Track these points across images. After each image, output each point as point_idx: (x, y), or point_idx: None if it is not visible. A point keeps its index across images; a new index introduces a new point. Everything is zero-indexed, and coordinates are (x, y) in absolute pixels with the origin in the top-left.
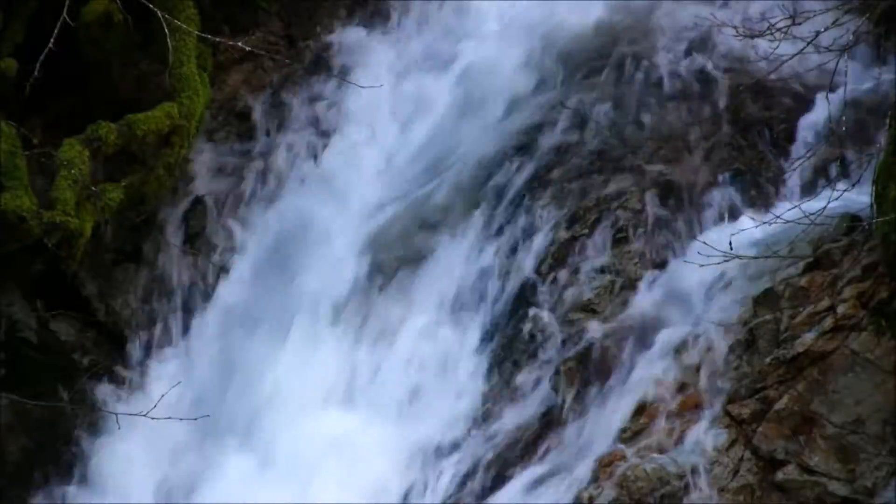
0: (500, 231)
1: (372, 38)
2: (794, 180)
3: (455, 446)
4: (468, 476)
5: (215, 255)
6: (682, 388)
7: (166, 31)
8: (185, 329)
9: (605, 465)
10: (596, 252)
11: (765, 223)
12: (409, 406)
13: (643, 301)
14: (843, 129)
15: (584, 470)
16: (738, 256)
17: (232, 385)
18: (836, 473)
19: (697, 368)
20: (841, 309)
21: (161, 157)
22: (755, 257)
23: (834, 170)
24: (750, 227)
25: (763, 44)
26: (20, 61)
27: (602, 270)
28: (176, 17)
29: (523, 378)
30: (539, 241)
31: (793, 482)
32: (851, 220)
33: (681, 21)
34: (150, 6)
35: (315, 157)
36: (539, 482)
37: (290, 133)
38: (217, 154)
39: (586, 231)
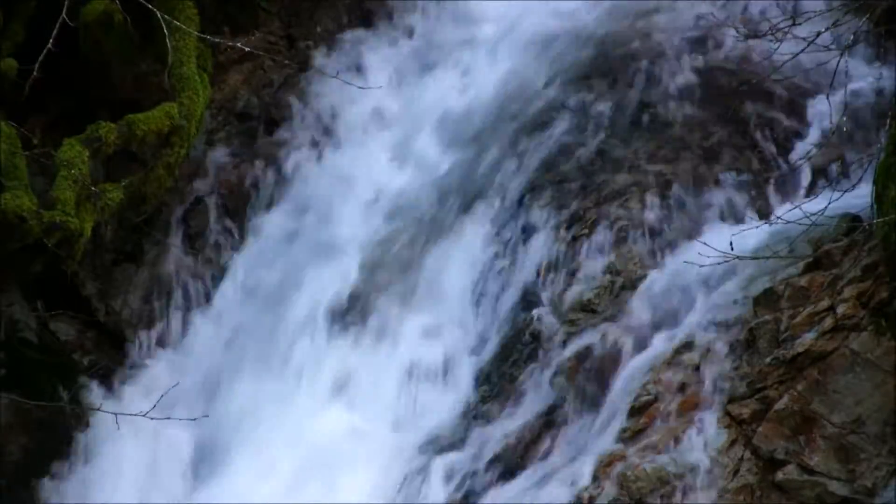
0: (500, 231)
1: (372, 39)
2: (794, 180)
3: (455, 446)
4: (468, 476)
5: (215, 255)
6: (682, 388)
7: (166, 31)
8: (185, 329)
9: (605, 465)
10: (596, 252)
11: (765, 223)
12: (409, 406)
13: (643, 301)
14: (844, 129)
15: (584, 470)
16: (738, 256)
17: (231, 385)
18: (836, 473)
19: (697, 368)
20: (841, 309)
21: (161, 157)
22: (755, 257)
23: (834, 170)
24: (750, 227)
25: (763, 44)
26: (20, 61)
27: (602, 270)
28: (176, 17)
29: (523, 378)
30: (539, 241)
31: (793, 482)
32: (851, 221)
33: (681, 21)
34: (150, 6)
35: (315, 158)
36: (539, 482)
37: (290, 133)
38: (217, 154)
39: (586, 231)
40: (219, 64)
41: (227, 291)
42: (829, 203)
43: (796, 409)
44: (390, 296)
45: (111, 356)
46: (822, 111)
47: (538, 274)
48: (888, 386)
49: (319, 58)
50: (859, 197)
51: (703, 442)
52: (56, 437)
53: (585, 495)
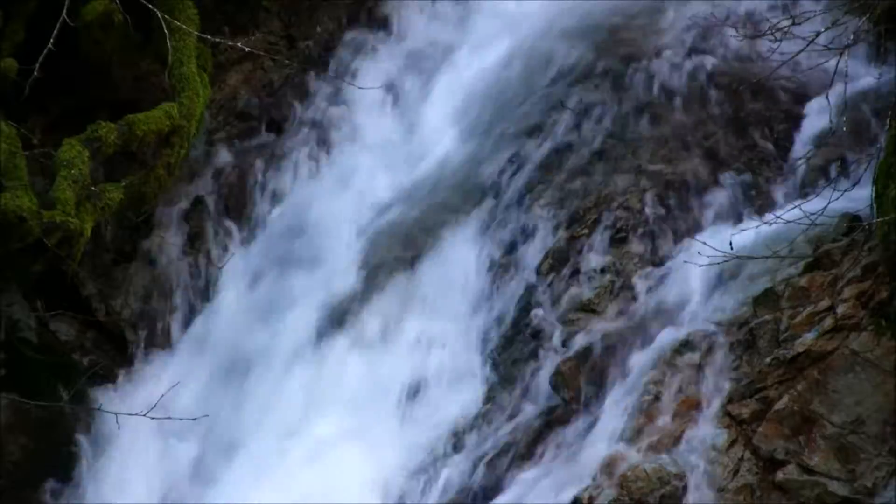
0: (500, 231)
1: (372, 38)
2: (794, 180)
3: (455, 446)
4: (468, 476)
5: (215, 255)
6: (682, 388)
7: (166, 31)
8: (185, 329)
9: (605, 465)
10: (596, 252)
11: (765, 223)
12: (409, 406)
13: (643, 301)
14: (843, 129)
15: (584, 470)
16: (738, 256)
17: (231, 385)
18: (836, 473)
19: (697, 368)
20: (841, 309)
21: (161, 157)
22: (755, 257)
23: (834, 170)
24: (750, 227)
25: (763, 44)
26: (20, 61)
27: (602, 270)
28: (176, 17)
29: (523, 378)
30: (539, 241)
31: (793, 482)
32: (851, 220)
33: (681, 21)
34: (150, 6)
35: (315, 158)
36: (539, 482)
37: (290, 133)
38: (217, 154)
39: (586, 231)
40: (219, 64)
41: (227, 291)
42: (829, 203)
43: (796, 409)
44: (390, 296)
45: (111, 356)
46: (822, 111)
47: (538, 274)
48: (888, 386)
49: (319, 57)
50: (859, 197)
51: (703, 442)
52: (56, 437)
53: (585, 495)
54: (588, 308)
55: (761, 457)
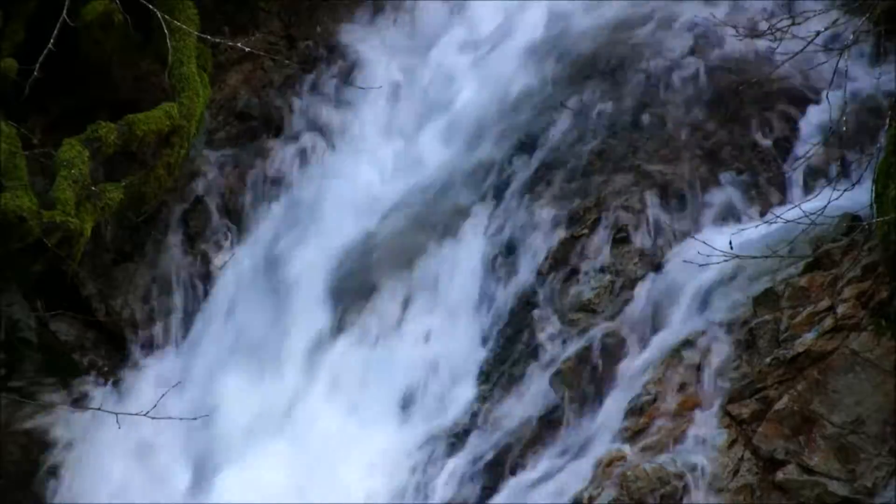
0: (500, 231)
1: (372, 39)
2: (794, 180)
3: (455, 446)
4: (468, 476)
5: (215, 255)
6: (682, 388)
7: (166, 31)
8: (185, 329)
9: (605, 465)
10: (596, 252)
11: (765, 223)
12: (408, 406)
13: (643, 301)
14: (843, 129)
15: (584, 470)
16: (738, 256)
17: (231, 385)
18: (836, 473)
19: (697, 368)
20: (841, 309)
21: (161, 157)
22: (755, 257)
23: (834, 170)
24: (750, 227)
25: (763, 44)
26: (20, 61)
27: (602, 270)
28: (176, 17)
29: (523, 378)
30: (539, 241)
31: (793, 482)
32: (851, 220)
33: (681, 21)
34: (150, 6)
35: (315, 158)
36: (539, 482)
37: (290, 133)
38: (217, 154)
39: (586, 231)
40: (219, 64)
41: (227, 291)
42: (829, 203)
43: (796, 409)
44: (390, 295)
45: (111, 356)
46: (822, 111)
47: (538, 274)
48: (888, 386)
49: (319, 57)
50: (859, 197)
51: (703, 442)
52: (56, 437)
53: (585, 495)
54: (588, 308)
55: (761, 457)
